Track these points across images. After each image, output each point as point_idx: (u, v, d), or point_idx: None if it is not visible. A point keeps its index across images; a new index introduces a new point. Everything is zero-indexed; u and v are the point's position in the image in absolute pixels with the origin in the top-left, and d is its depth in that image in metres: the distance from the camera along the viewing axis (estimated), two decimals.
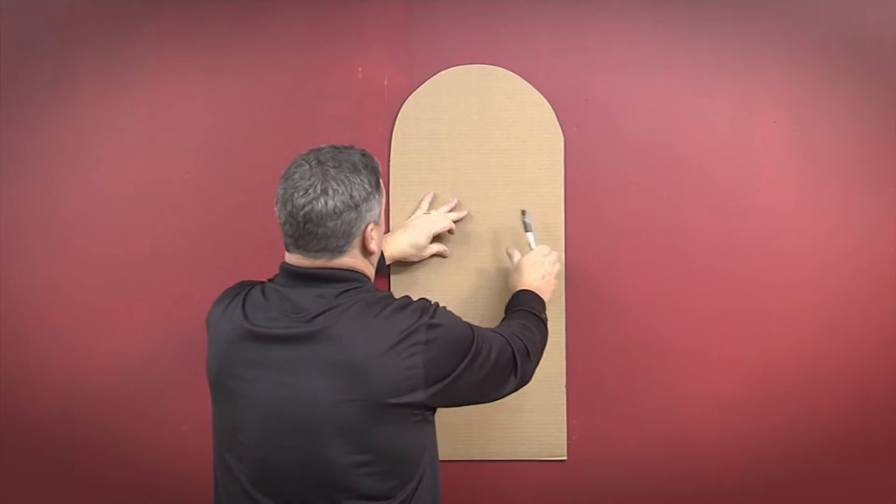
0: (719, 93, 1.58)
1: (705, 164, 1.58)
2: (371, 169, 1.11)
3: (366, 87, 1.60)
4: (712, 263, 1.58)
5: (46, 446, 1.61)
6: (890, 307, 1.57)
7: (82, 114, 1.61)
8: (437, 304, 1.11)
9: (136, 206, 1.61)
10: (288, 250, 1.10)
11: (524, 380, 1.21)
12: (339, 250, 1.07)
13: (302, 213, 1.04)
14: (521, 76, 1.57)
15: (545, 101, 1.57)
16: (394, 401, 1.01)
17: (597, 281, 1.58)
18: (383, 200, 1.15)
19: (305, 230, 1.05)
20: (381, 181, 1.14)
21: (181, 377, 1.61)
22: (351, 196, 1.05)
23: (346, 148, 1.12)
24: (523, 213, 1.51)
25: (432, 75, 1.58)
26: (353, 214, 1.06)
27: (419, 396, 1.03)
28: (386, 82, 1.60)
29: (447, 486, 1.58)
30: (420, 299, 1.11)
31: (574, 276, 1.57)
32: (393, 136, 1.59)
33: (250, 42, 1.61)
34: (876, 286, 1.57)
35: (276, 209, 1.10)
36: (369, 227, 1.09)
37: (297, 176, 1.06)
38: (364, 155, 1.12)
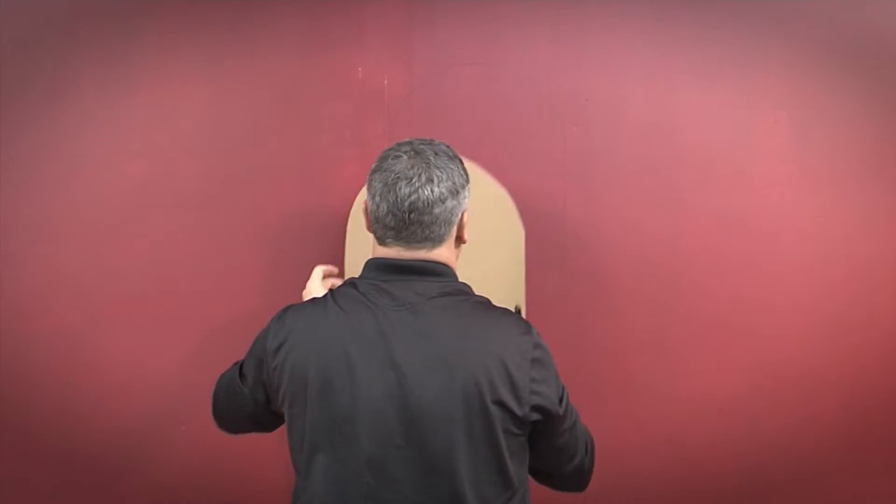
0: (719, 93, 1.58)
1: (705, 163, 1.58)
2: (459, 158, 1.12)
3: (366, 87, 1.60)
4: (712, 263, 1.58)
5: (46, 446, 1.62)
6: (890, 307, 1.57)
7: (82, 113, 1.61)
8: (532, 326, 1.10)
9: (136, 206, 1.61)
10: (383, 244, 1.08)
11: (591, 470, 1.18)
12: (440, 239, 1.07)
13: (408, 202, 1.03)
14: (523, 77, 1.57)
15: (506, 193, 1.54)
16: (498, 399, 1.00)
17: (596, 281, 1.58)
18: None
19: (411, 219, 1.04)
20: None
21: (181, 377, 1.61)
22: (453, 183, 1.06)
23: (430, 140, 1.12)
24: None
25: (432, 75, 1.58)
26: (454, 201, 1.06)
27: (521, 410, 1.01)
28: (386, 82, 1.60)
29: None
30: (518, 314, 1.09)
31: (574, 276, 1.57)
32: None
33: (250, 42, 1.60)
34: (876, 286, 1.57)
35: (370, 202, 1.08)
36: (465, 214, 1.10)
37: (397, 167, 1.05)
38: (448, 146, 1.12)
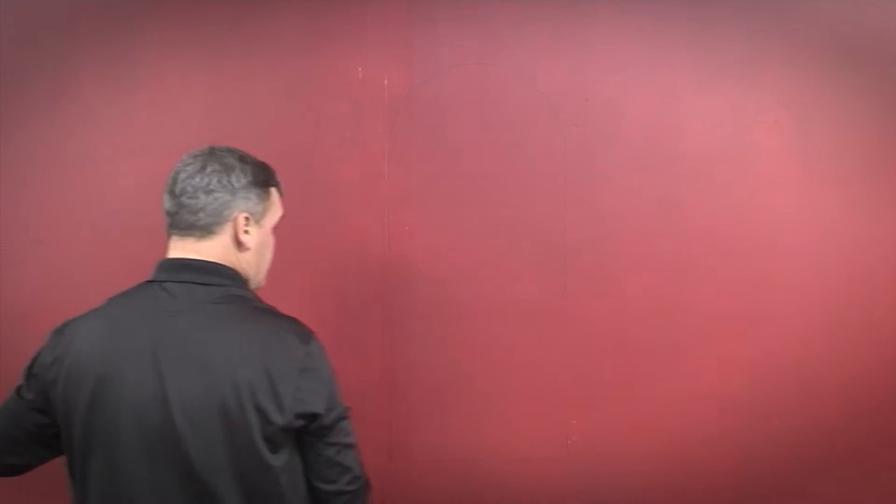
0: (719, 93, 1.58)
1: (705, 163, 1.58)
2: (261, 169, 1.15)
3: (366, 87, 1.60)
4: (712, 263, 1.58)
5: None
6: (890, 306, 1.57)
7: (82, 113, 1.60)
8: (317, 337, 1.09)
9: (136, 206, 1.60)
10: (168, 238, 1.12)
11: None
12: (207, 230, 1.09)
13: (180, 186, 1.09)
14: (523, 77, 1.57)
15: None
16: (258, 406, 1.00)
17: (597, 281, 1.58)
18: (273, 210, 1.17)
19: (181, 203, 1.08)
20: (271, 189, 1.16)
21: None
22: (228, 179, 1.09)
23: (238, 149, 1.15)
24: None
25: (432, 75, 1.58)
26: (226, 196, 1.09)
27: (284, 418, 1.01)
28: (386, 82, 1.60)
29: (446, 483, 1.58)
30: (300, 323, 1.10)
31: (574, 275, 1.57)
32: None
33: (250, 42, 1.61)
34: (876, 285, 1.57)
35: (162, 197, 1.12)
36: (242, 216, 1.10)
37: (186, 156, 1.11)
38: (262, 163, 1.16)
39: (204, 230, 1.09)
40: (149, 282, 1.10)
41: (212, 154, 1.11)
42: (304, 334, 1.07)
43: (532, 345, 1.58)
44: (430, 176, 1.59)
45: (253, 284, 1.15)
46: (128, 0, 1.60)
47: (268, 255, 1.19)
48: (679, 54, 1.59)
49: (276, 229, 1.60)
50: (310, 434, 1.05)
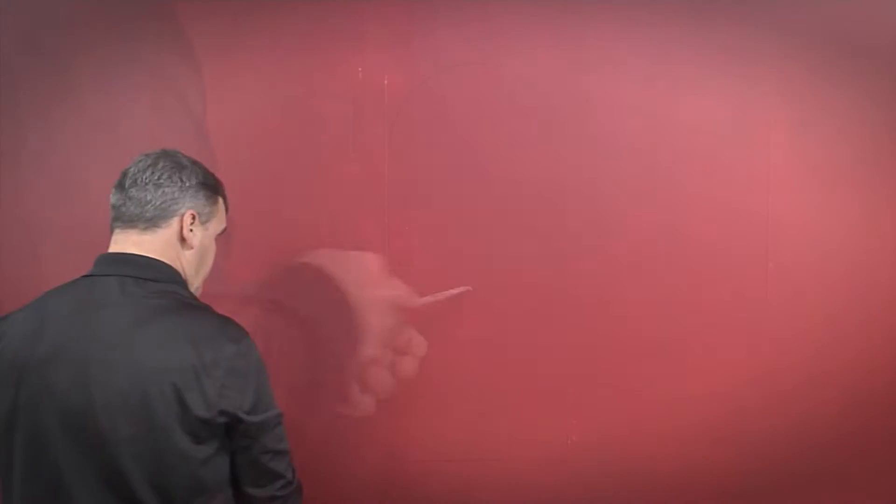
0: (719, 92, 1.58)
1: (705, 163, 1.58)
2: (209, 177, 1.18)
3: (366, 87, 1.60)
4: (712, 263, 1.58)
5: None
6: (889, 306, 1.57)
7: (82, 113, 1.61)
8: (250, 338, 1.09)
9: None
10: (111, 233, 1.12)
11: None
12: (154, 223, 1.10)
13: (129, 179, 1.11)
14: (523, 77, 1.57)
15: None
16: (182, 400, 1.00)
17: (597, 281, 1.58)
18: (219, 217, 1.19)
19: (128, 196, 1.10)
20: (219, 198, 1.20)
21: None
22: (179, 175, 1.12)
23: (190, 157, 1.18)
24: None
25: (432, 75, 1.58)
26: (175, 192, 1.11)
27: (209, 412, 1.01)
28: (386, 82, 1.60)
29: (446, 483, 1.58)
30: (234, 322, 1.10)
31: (574, 276, 1.57)
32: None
33: (250, 42, 1.60)
34: (876, 286, 1.57)
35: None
36: (189, 213, 1.12)
37: (140, 155, 1.14)
38: (211, 173, 1.19)
39: (149, 222, 1.10)
40: (86, 276, 1.10)
41: (164, 153, 1.14)
42: (235, 333, 1.07)
43: (532, 345, 1.58)
44: (430, 176, 1.59)
45: (191, 287, 1.16)
46: (127, 2, 1.60)
47: (208, 261, 1.20)
48: (679, 54, 1.59)
49: (271, 235, 1.61)
50: (240, 435, 1.05)
